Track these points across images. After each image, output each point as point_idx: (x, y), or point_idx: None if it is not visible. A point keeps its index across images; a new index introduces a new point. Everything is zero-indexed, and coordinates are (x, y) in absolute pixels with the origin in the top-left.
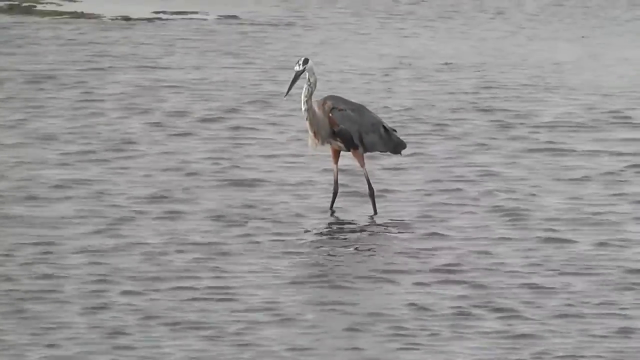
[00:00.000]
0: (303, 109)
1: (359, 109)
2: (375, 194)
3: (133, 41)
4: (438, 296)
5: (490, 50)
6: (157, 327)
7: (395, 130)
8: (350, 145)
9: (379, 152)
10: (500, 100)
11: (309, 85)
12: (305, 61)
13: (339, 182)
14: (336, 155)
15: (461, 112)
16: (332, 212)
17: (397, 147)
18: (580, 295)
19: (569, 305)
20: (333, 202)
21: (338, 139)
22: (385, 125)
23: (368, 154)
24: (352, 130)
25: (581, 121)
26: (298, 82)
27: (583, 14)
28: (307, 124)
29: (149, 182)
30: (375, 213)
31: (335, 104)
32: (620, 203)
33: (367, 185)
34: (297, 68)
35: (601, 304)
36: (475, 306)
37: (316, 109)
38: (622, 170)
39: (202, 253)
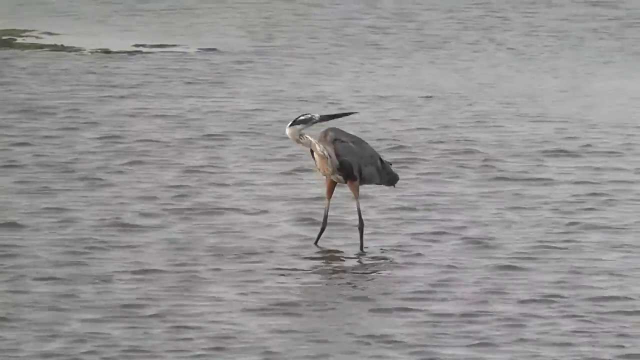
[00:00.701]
0: (292, 137)
1: (358, 141)
2: (349, 223)
3: (112, 72)
4: (403, 325)
5: (467, 81)
6: (117, 356)
7: (390, 163)
8: (349, 176)
9: (374, 184)
10: (474, 130)
11: (311, 121)
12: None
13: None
14: (331, 189)
15: (436, 143)
16: (316, 245)
17: (391, 179)
18: (548, 324)
19: (537, 333)
20: (319, 237)
21: (338, 170)
22: (381, 157)
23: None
24: (352, 162)
25: (551, 150)
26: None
27: (559, 45)
28: (316, 157)
29: (118, 210)
30: (362, 247)
31: (337, 135)
32: (587, 231)
33: (357, 218)
34: (315, 118)
35: (567, 332)
36: (442, 334)
37: (317, 141)
38: (587, 199)
39: (165, 281)
